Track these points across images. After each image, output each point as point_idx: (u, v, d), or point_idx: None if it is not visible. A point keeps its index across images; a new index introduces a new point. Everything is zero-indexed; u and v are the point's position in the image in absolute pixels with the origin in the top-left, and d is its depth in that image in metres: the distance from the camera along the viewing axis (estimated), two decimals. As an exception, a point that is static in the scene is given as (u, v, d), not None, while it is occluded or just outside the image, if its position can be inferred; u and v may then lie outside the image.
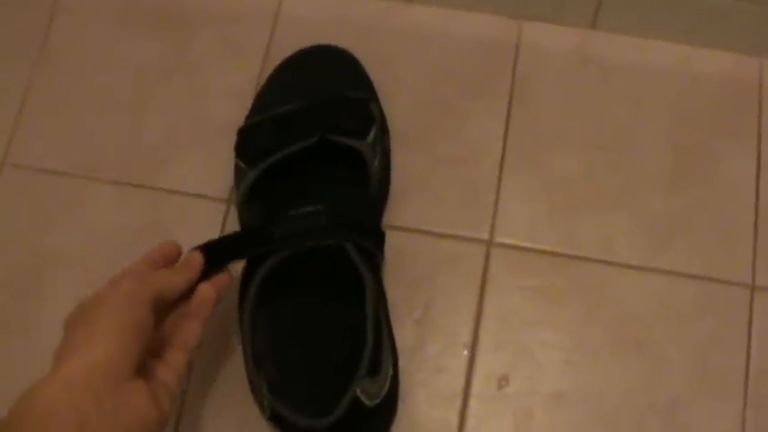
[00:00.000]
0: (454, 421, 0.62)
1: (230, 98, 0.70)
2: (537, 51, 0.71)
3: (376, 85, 0.68)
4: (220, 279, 0.55)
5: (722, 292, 0.65)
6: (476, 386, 0.63)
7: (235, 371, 0.62)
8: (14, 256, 0.67)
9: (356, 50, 0.69)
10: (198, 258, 0.55)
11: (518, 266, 0.66)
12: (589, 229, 0.67)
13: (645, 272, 0.66)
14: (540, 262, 0.66)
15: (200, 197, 0.68)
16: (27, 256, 0.67)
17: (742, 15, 0.68)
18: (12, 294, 0.66)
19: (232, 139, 0.65)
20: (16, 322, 0.66)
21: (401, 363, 0.62)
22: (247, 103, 0.68)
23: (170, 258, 0.55)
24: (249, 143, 0.63)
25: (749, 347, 0.64)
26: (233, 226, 0.65)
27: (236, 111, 0.68)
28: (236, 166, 0.64)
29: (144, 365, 0.48)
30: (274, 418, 0.56)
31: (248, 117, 0.67)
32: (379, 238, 0.61)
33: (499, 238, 0.66)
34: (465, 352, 0.64)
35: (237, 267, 0.59)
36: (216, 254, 0.56)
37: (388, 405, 0.60)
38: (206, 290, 0.54)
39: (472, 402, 0.63)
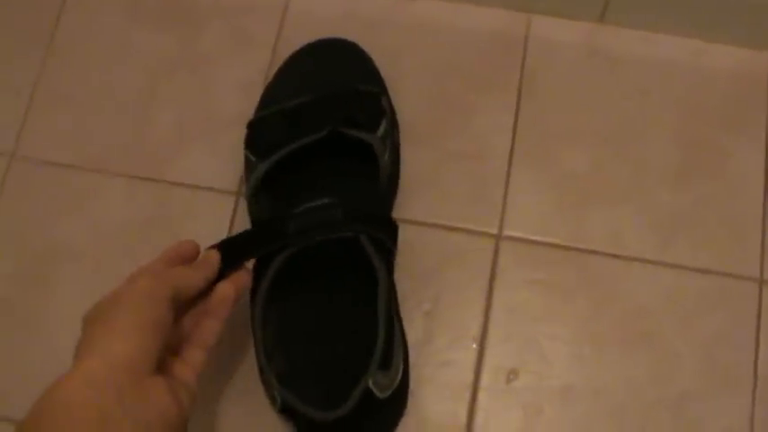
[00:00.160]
0: (463, 415, 0.62)
1: (239, 91, 0.70)
2: (546, 45, 0.71)
3: (384, 80, 0.68)
4: (239, 278, 0.55)
5: (730, 286, 0.65)
6: (485, 380, 0.63)
7: (246, 363, 0.62)
8: (22, 249, 0.67)
9: (364, 45, 0.69)
10: (215, 256, 0.55)
11: (527, 260, 0.66)
12: (598, 223, 0.67)
13: (653, 266, 0.66)
14: (549, 256, 0.66)
15: (208, 190, 0.68)
16: (35, 248, 0.67)
17: (751, 10, 0.68)
18: (19, 287, 0.66)
19: (241, 131, 0.65)
20: (24, 315, 0.66)
21: (410, 356, 0.62)
22: (256, 95, 0.68)
23: (187, 257, 0.55)
24: (259, 136, 0.63)
25: (758, 342, 0.64)
26: (242, 219, 0.66)
27: (244, 104, 0.68)
28: (246, 159, 0.64)
29: (163, 363, 0.48)
30: (285, 410, 0.56)
31: (258, 110, 0.67)
32: (393, 229, 0.61)
33: (508, 232, 0.66)
34: (474, 345, 0.64)
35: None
36: (232, 252, 0.56)
37: (399, 398, 0.60)
38: (225, 288, 0.54)
39: (481, 396, 0.63)
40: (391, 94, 0.68)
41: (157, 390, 0.45)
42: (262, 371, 0.59)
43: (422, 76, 0.71)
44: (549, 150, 0.69)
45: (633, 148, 0.69)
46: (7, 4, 0.74)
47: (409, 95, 0.69)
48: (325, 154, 0.62)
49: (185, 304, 0.52)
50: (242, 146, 0.64)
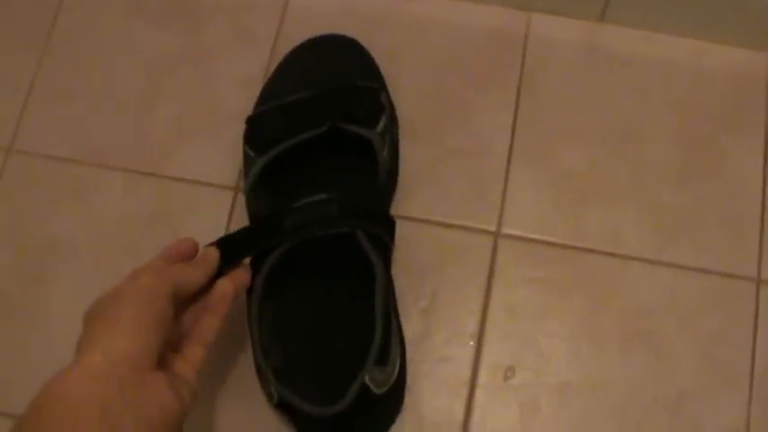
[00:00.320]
0: (460, 412, 0.62)
1: (239, 87, 0.70)
2: (546, 43, 0.71)
3: (383, 76, 0.68)
4: (238, 275, 0.56)
5: (728, 286, 0.65)
6: (482, 377, 0.63)
7: (242, 359, 0.62)
8: (21, 244, 0.67)
9: (364, 41, 0.69)
10: (214, 253, 0.55)
11: (525, 258, 0.66)
12: (596, 222, 0.67)
13: (652, 265, 0.66)
14: (548, 254, 0.66)
15: (208, 185, 0.68)
16: (33, 243, 0.67)
17: (750, 11, 0.68)
18: (18, 282, 0.66)
19: (240, 127, 0.65)
20: (23, 309, 0.66)
21: (407, 352, 0.62)
22: (256, 91, 0.68)
23: (187, 255, 0.55)
24: (258, 131, 0.63)
25: (755, 341, 0.64)
26: (240, 214, 0.66)
27: (245, 99, 0.68)
28: (245, 154, 0.64)
29: (163, 359, 0.48)
30: (281, 405, 0.56)
31: (257, 105, 0.67)
32: (390, 225, 0.61)
33: (507, 230, 0.66)
34: (471, 342, 0.64)
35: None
36: (230, 249, 0.56)
37: (396, 394, 0.60)
38: (225, 285, 0.54)
39: (478, 393, 0.63)
40: (390, 90, 0.68)
41: (159, 385, 0.46)
42: (258, 367, 0.58)
43: (421, 72, 0.71)
44: (549, 148, 0.69)
45: (632, 146, 0.69)
46: (7, -2, 0.74)
47: (408, 92, 0.69)
48: (324, 150, 0.62)
49: (185, 301, 0.53)
50: (241, 141, 0.64)
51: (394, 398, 0.60)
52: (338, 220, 0.57)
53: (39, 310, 0.65)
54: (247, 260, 0.58)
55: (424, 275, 0.65)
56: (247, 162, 0.63)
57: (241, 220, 0.65)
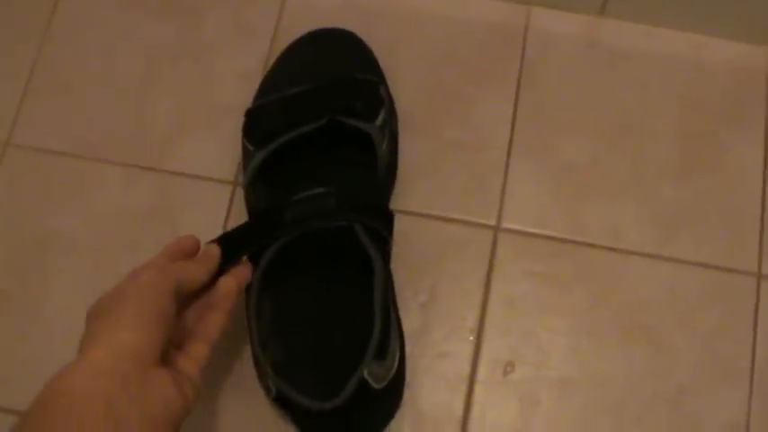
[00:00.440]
0: (459, 407, 0.62)
1: (238, 80, 0.70)
2: (545, 37, 0.71)
3: (383, 70, 0.68)
4: (240, 272, 0.56)
5: (729, 280, 0.65)
6: (481, 372, 0.63)
7: (240, 353, 0.62)
8: (19, 238, 0.67)
9: (363, 34, 0.69)
10: (215, 250, 0.55)
11: (525, 252, 0.66)
12: (596, 216, 0.67)
13: (652, 259, 0.66)
14: (548, 248, 0.66)
15: (206, 179, 0.67)
16: (31, 237, 0.67)
17: (751, 5, 0.68)
18: (16, 277, 0.66)
19: (240, 121, 0.64)
20: (20, 304, 0.65)
21: (406, 347, 0.62)
22: (256, 84, 0.68)
23: (188, 252, 0.55)
24: (257, 124, 0.63)
25: (755, 336, 0.64)
26: (239, 208, 0.65)
27: (244, 93, 0.68)
28: (244, 148, 0.63)
29: (166, 357, 0.48)
30: (279, 399, 0.56)
31: (256, 98, 0.66)
32: (389, 218, 0.61)
33: (506, 224, 0.66)
34: (471, 337, 0.64)
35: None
36: (231, 245, 0.56)
37: (395, 389, 0.60)
38: (228, 282, 0.54)
39: (477, 388, 0.62)
40: (389, 83, 0.68)
41: (163, 381, 0.45)
42: (256, 360, 0.58)
43: (420, 66, 0.70)
44: (548, 142, 0.68)
45: (632, 141, 0.69)
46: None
47: (407, 85, 0.69)
48: (323, 143, 0.62)
49: (188, 298, 0.53)
50: (240, 135, 0.64)
51: (393, 393, 0.60)
52: (336, 213, 0.57)
53: (38, 305, 0.65)
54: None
55: (423, 270, 0.65)
56: (246, 156, 0.63)
57: (240, 214, 0.65)
